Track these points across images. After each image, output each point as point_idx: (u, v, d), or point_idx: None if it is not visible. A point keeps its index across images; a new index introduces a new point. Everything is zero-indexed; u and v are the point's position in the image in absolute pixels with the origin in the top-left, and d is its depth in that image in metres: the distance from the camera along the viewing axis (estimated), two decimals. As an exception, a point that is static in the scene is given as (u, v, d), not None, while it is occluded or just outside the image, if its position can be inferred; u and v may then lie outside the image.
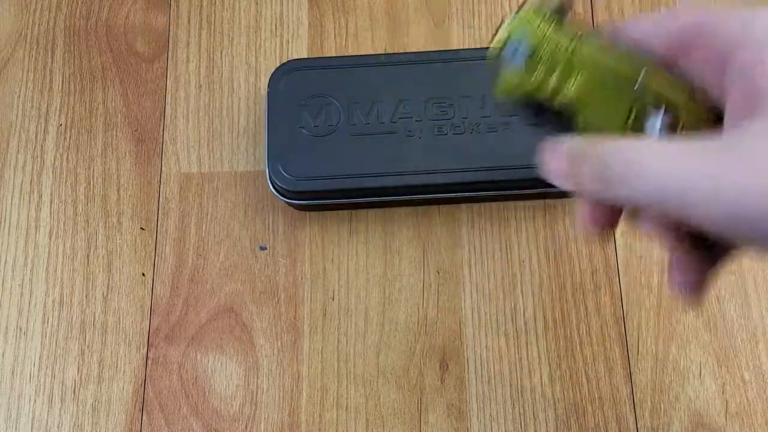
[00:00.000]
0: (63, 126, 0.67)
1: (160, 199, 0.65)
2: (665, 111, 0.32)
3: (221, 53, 0.68)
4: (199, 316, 0.62)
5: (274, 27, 0.69)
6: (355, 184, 0.58)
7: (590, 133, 0.32)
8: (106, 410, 0.60)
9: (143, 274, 0.63)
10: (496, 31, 0.33)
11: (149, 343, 0.61)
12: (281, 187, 0.59)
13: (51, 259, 0.64)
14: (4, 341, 0.62)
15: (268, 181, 0.60)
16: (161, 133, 0.66)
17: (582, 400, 0.59)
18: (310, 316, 0.61)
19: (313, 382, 0.60)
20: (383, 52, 0.68)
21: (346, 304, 0.61)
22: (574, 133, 0.32)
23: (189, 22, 0.70)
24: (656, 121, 0.32)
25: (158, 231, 0.64)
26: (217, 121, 0.67)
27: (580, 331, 0.60)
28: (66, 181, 0.66)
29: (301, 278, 0.62)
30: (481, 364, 0.60)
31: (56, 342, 0.62)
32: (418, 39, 0.68)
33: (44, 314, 0.62)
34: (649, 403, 0.59)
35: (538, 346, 0.60)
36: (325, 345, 0.61)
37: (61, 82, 0.68)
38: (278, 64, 0.66)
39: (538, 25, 0.33)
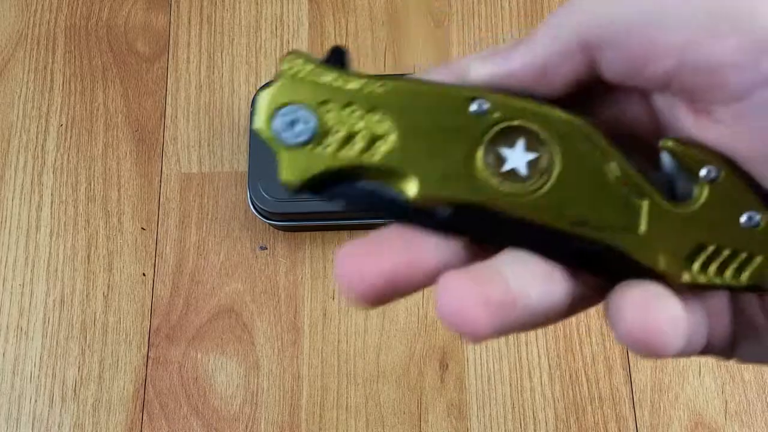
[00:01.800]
0: (64, 126, 0.67)
1: (161, 199, 0.65)
2: (528, 134, 0.23)
3: (222, 53, 0.68)
4: (199, 315, 0.62)
5: (274, 27, 0.69)
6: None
7: (429, 198, 0.23)
8: (106, 410, 0.60)
9: (144, 274, 0.63)
10: (254, 98, 0.24)
11: (150, 343, 0.61)
12: (264, 210, 0.60)
13: (52, 259, 0.64)
14: (5, 341, 0.62)
15: (251, 206, 0.61)
16: (162, 133, 0.66)
17: (582, 400, 0.59)
18: (310, 315, 0.61)
19: (314, 382, 0.60)
20: (383, 51, 0.68)
21: (346, 304, 0.62)
22: (405, 206, 0.23)
23: (189, 22, 0.70)
24: (519, 151, 0.23)
25: (159, 231, 0.64)
26: (217, 121, 0.67)
27: (580, 331, 0.60)
28: (67, 182, 0.66)
29: (301, 278, 0.62)
30: (481, 364, 0.60)
31: (57, 342, 0.62)
32: (418, 39, 0.68)
33: (45, 314, 0.62)
34: (648, 402, 0.58)
35: (538, 346, 0.60)
36: (325, 345, 0.61)
37: (61, 83, 0.68)
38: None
39: (314, 80, 0.24)
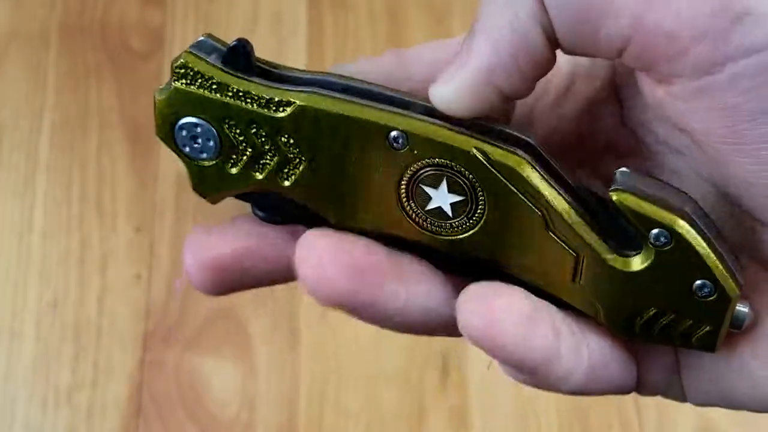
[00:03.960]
0: (57, 125, 0.67)
1: (156, 199, 0.65)
2: (451, 176, 0.21)
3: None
4: (195, 318, 0.61)
5: (271, 24, 0.69)
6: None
7: (347, 227, 0.21)
8: (101, 414, 0.60)
9: (138, 276, 0.63)
10: (154, 101, 0.22)
11: (145, 346, 0.61)
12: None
13: (45, 261, 0.63)
14: (-3, 344, 0.62)
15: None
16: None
17: (585, 405, 0.59)
18: (308, 318, 0.61)
19: (312, 386, 0.60)
20: (382, 48, 0.68)
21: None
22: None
23: (185, 18, 0.70)
24: (442, 191, 0.21)
25: (154, 232, 0.64)
26: (213, 120, 0.67)
27: (584, 334, 0.60)
28: (60, 181, 0.65)
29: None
30: (482, 366, 0.60)
31: (50, 345, 0.61)
32: (418, 35, 0.68)
33: (38, 317, 0.62)
34: (653, 407, 0.58)
35: (540, 349, 0.60)
36: (324, 348, 0.60)
37: (55, 80, 0.68)
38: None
39: (213, 95, 0.21)
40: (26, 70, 0.69)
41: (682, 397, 0.23)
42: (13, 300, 0.63)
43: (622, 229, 0.20)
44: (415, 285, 0.21)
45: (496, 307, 0.20)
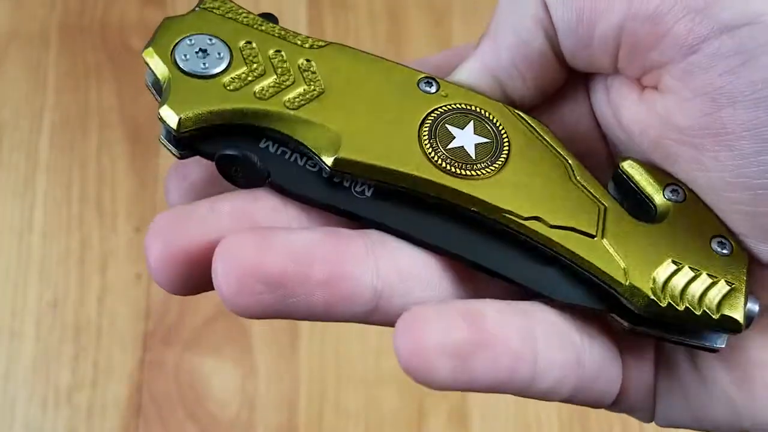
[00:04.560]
0: (57, 125, 0.66)
1: (156, 199, 0.64)
2: (478, 119, 0.21)
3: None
4: (195, 318, 0.61)
5: (271, 24, 0.69)
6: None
7: (351, 164, 0.20)
8: (101, 415, 0.59)
9: (138, 276, 0.62)
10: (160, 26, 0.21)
11: (145, 346, 0.61)
12: None
13: (45, 261, 0.63)
14: (-3, 344, 0.62)
15: None
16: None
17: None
18: (308, 318, 0.61)
19: (312, 386, 0.59)
20: (383, 49, 0.67)
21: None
22: (317, 177, 0.20)
23: (185, 18, 0.70)
24: (468, 132, 0.21)
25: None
26: (213, 120, 0.66)
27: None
28: (60, 181, 0.65)
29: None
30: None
31: (50, 345, 0.61)
32: (419, 36, 0.68)
33: (38, 317, 0.62)
34: (654, 406, 0.58)
35: (541, 349, 0.60)
36: (324, 348, 0.60)
37: (55, 80, 0.68)
38: None
39: (241, 20, 0.21)
40: (26, 70, 0.68)
41: (648, 417, 0.23)
42: (13, 300, 0.62)
43: (637, 201, 0.21)
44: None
45: (426, 339, 0.19)
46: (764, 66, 0.19)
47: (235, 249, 0.19)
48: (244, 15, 0.21)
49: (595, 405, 0.22)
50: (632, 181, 0.21)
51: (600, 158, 0.23)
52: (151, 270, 0.20)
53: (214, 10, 0.21)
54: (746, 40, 0.19)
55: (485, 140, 0.21)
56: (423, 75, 0.21)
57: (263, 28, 0.21)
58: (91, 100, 0.67)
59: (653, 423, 0.23)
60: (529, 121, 0.21)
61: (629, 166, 0.21)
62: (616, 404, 0.23)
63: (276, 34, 0.21)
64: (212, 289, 0.20)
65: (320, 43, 0.21)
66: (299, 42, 0.21)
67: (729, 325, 0.20)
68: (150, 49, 0.21)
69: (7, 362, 0.61)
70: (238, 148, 0.20)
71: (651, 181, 0.21)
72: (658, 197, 0.21)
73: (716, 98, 0.19)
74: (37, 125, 0.67)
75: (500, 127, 0.21)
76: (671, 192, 0.21)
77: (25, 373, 0.61)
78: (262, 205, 0.20)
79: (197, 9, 0.21)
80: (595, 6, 0.20)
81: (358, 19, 0.69)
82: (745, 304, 0.20)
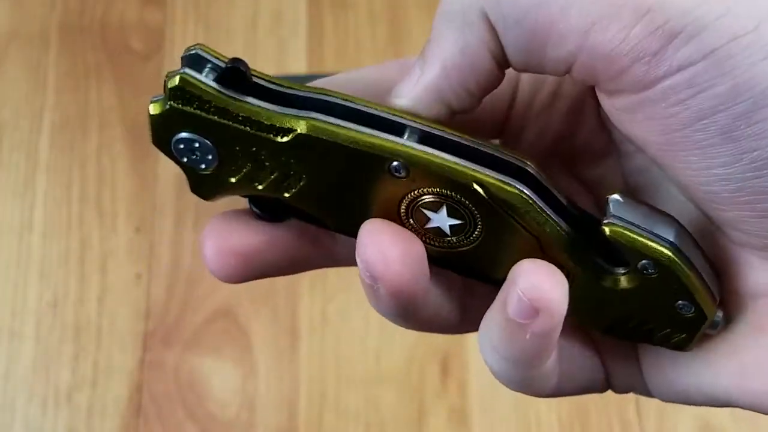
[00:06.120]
0: (57, 125, 0.66)
1: (156, 199, 0.64)
2: (450, 204, 0.22)
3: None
4: (195, 318, 0.61)
5: (271, 24, 0.69)
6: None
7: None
8: (101, 415, 0.59)
9: (138, 276, 0.62)
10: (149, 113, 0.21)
11: (145, 346, 0.61)
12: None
13: (45, 261, 0.63)
14: (-3, 344, 0.62)
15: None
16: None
17: (586, 404, 0.58)
18: (308, 318, 0.61)
19: (312, 386, 0.59)
20: (383, 48, 0.67)
21: (345, 306, 0.61)
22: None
23: (185, 18, 0.69)
24: (442, 215, 0.22)
25: (154, 232, 0.64)
26: (213, 120, 0.66)
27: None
28: (60, 181, 0.65)
29: (300, 280, 0.62)
30: (483, 368, 0.59)
31: (50, 345, 0.61)
32: (418, 36, 0.68)
33: (38, 317, 0.62)
34: (654, 407, 0.58)
35: (541, 349, 0.60)
36: (324, 348, 0.60)
37: (55, 80, 0.68)
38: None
39: (211, 117, 0.21)
40: (26, 70, 0.68)
41: (649, 394, 0.25)
42: (13, 300, 0.62)
43: (614, 248, 0.22)
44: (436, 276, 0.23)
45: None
46: (714, 96, 0.19)
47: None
48: (211, 107, 0.21)
49: (585, 393, 0.25)
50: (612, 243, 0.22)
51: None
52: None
53: (184, 106, 0.21)
54: (699, 75, 0.19)
55: (459, 221, 0.22)
56: (393, 159, 0.21)
57: (236, 118, 0.21)
58: (91, 100, 0.67)
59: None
60: (501, 203, 0.22)
61: (611, 233, 0.21)
62: (614, 389, 0.25)
63: (248, 126, 0.21)
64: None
65: (292, 131, 0.21)
66: (273, 133, 0.21)
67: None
68: (157, 147, 0.22)
69: (7, 362, 0.61)
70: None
71: (629, 252, 0.22)
72: (634, 263, 0.22)
73: (668, 124, 0.20)
74: (37, 125, 0.67)
75: (472, 209, 0.22)
76: (644, 267, 0.22)
77: (25, 373, 0.61)
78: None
79: (168, 103, 0.21)
80: (550, 30, 0.20)
81: (358, 19, 0.69)
82: (694, 343, 0.23)
